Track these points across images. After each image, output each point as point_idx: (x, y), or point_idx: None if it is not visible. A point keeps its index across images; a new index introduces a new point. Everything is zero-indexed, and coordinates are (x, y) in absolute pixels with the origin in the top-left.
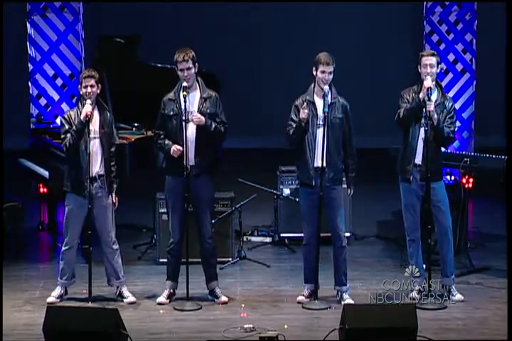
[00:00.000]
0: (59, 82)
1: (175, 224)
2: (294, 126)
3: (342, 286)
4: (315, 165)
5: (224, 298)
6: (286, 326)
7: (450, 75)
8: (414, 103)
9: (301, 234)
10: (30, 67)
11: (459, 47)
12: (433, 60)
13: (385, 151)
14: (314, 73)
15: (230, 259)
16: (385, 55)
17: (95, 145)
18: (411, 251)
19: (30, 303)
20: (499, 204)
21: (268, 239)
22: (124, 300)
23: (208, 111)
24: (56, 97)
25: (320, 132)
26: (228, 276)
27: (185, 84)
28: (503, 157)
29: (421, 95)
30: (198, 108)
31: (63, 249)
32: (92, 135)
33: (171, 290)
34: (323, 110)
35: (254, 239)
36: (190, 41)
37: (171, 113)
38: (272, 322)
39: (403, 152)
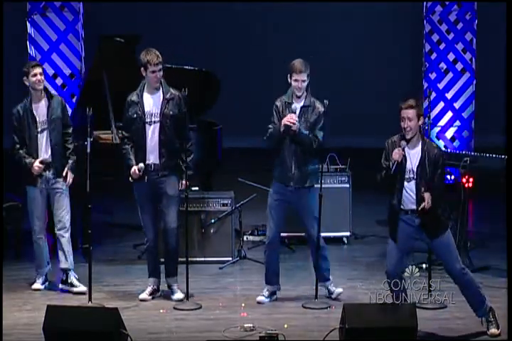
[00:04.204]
0: (59, 81)
1: (147, 223)
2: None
3: (325, 282)
4: (293, 167)
5: (178, 295)
6: (286, 325)
7: (450, 75)
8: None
9: (301, 234)
10: None
11: (459, 46)
12: (410, 112)
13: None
14: (289, 80)
15: (230, 259)
16: (385, 55)
17: (44, 136)
18: None
19: (30, 303)
20: (499, 204)
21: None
22: (74, 288)
23: (171, 113)
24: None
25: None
26: (228, 276)
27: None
28: (503, 156)
29: (390, 163)
30: (161, 110)
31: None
32: (43, 127)
33: (155, 287)
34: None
35: (254, 238)
36: (190, 41)
37: (134, 115)
38: (272, 321)
39: None
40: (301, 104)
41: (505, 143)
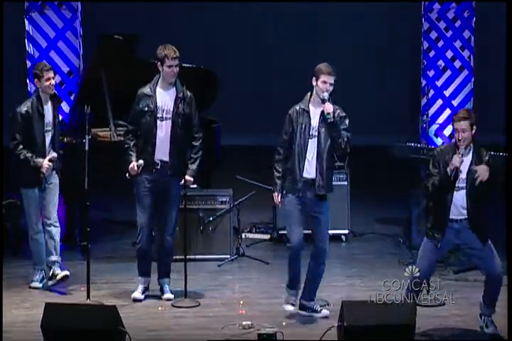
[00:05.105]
0: (57, 79)
1: (144, 223)
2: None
3: (310, 301)
4: (305, 176)
5: (167, 295)
6: (284, 323)
7: (448, 72)
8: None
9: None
10: (29, 64)
11: (457, 44)
12: (463, 124)
13: (386, 149)
14: (314, 83)
15: (229, 256)
16: (385, 55)
17: (49, 137)
18: None
19: (28, 300)
20: (499, 204)
21: (266, 236)
22: (57, 277)
23: (183, 111)
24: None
25: (312, 143)
26: (227, 273)
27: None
28: (501, 154)
29: (448, 170)
30: (174, 108)
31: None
32: (47, 128)
33: (146, 285)
34: (327, 117)
35: (252, 236)
36: (190, 41)
37: (146, 108)
38: (270, 319)
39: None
40: (321, 108)
41: (503, 140)
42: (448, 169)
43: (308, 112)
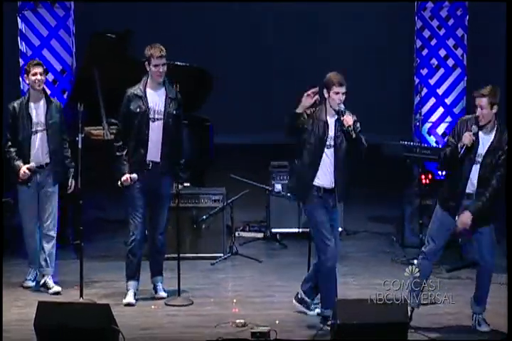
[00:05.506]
0: (50, 77)
1: (137, 222)
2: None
3: (311, 299)
4: (325, 185)
5: (161, 294)
6: (277, 321)
7: (441, 70)
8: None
9: (293, 230)
10: (21, 62)
11: (450, 42)
12: (482, 100)
13: (379, 148)
14: (326, 95)
15: (222, 255)
16: (384, 54)
17: (38, 138)
18: None
19: (21, 299)
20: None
21: (260, 235)
22: (49, 290)
23: (174, 112)
24: (47, 92)
25: (330, 152)
26: (220, 272)
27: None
28: None
29: (459, 145)
30: (165, 108)
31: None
32: (37, 128)
33: (135, 290)
34: (348, 129)
35: (245, 234)
36: (190, 40)
37: (137, 110)
38: (263, 317)
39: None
40: (335, 118)
41: None
42: (459, 144)
43: (325, 122)
